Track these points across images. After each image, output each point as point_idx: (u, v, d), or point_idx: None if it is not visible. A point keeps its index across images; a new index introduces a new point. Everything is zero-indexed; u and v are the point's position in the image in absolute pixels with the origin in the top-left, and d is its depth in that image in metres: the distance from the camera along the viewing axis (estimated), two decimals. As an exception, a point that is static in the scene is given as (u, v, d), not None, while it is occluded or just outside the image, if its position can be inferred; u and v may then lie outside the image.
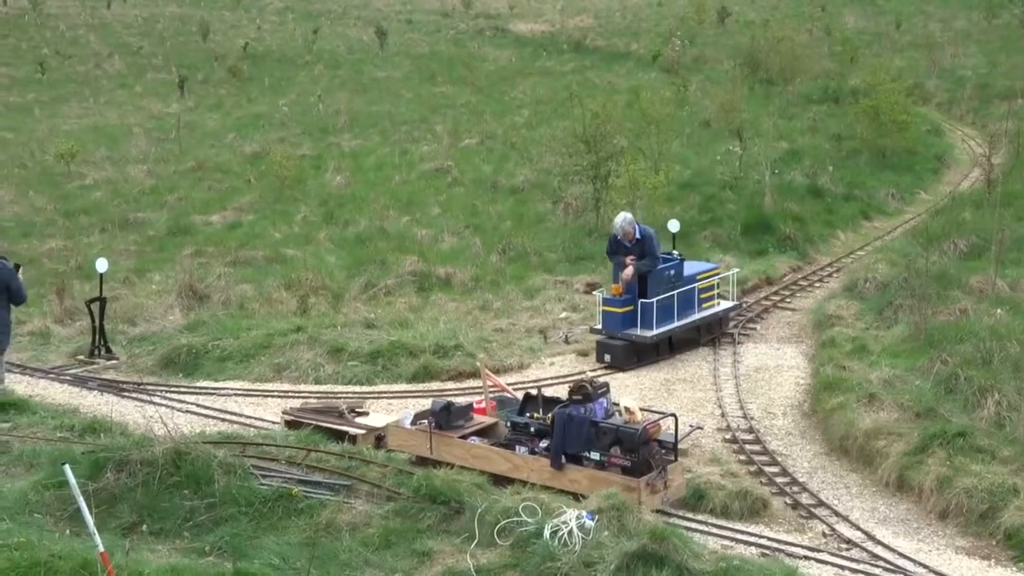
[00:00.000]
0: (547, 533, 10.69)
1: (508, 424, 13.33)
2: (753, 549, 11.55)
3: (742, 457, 13.85)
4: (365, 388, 16.27)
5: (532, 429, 12.94)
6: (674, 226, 20.19)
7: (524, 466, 12.56)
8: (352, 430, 13.86)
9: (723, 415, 15.19)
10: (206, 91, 43.43)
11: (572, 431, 12.34)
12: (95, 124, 38.05)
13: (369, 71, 45.92)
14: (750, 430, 14.69)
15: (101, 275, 17.83)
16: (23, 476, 12.34)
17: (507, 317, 19.28)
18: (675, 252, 18.22)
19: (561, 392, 13.94)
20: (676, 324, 17.34)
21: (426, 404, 14.18)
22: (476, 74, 42.75)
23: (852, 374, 15.57)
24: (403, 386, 16.42)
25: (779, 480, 13.29)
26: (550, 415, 12.67)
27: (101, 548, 7.38)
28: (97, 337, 17.48)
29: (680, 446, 12.77)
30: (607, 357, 16.89)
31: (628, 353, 16.84)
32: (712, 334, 18.07)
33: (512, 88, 41.15)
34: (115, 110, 40.65)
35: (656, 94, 30.65)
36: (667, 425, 12.70)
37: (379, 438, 13.75)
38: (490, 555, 10.85)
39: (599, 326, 17.29)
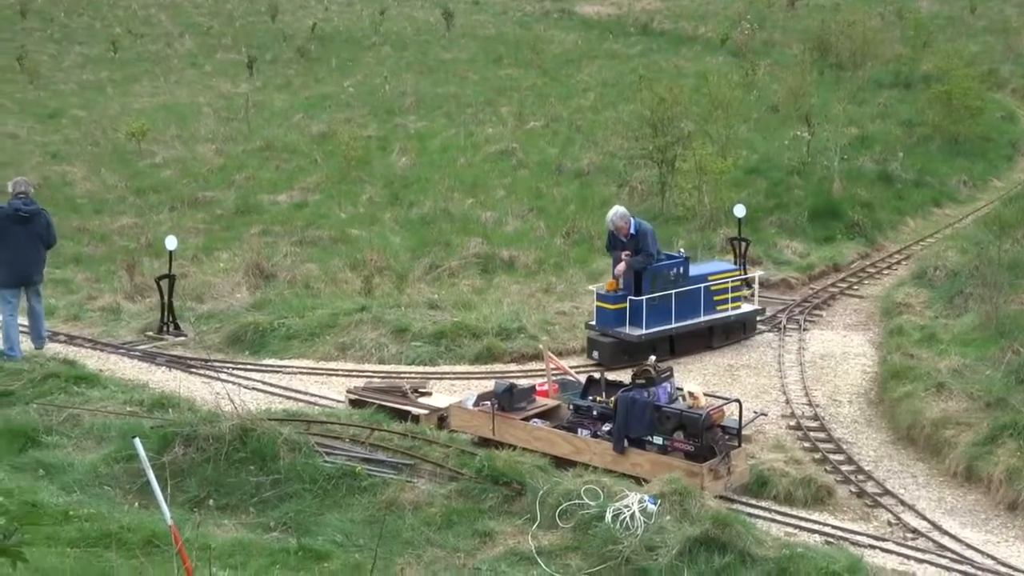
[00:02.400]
0: (609, 516, 10.70)
1: (570, 407, 13.31)
2: (817, 537, 11.47)
3: (807, 444, 13.74)
4: (428, 368, 16.34)
5: (595, 412, 12.92)
6: (740, 211, 20.03)
7: (586, 449, 12.55)
8: (415, 410, 13.93)
9: (788, 402, 15.08)
10: (274, 71, 43.74)
11: (635, 415, 12.30)
12: (165, 103, 38.49)
13: (435, 53, 45.97)
14: (815, 417, 14.57)
15: (170, 252, 18.04)
16: (94, 449, 12.55)
17: (570, 300, 19.25)
18: (681, 251, 17.69)
19: (624, 376, 13.91)
20: (674, 325, 16.66)
21: (489, 385, 14.21)
22: (542, 57, 42.61)
23: (920, 362, 15.38)
24: (466, 367, 16.46)
25: (844, 468, 13.17)
26: (613, 398, 12.64)
27: (170, 521, 7.47)
28: (166, 314, 17.70)
29: (744, 432, 12.68)
30: (595, 354, 16.41)
31: (616, 351, 16.24)
32: (730, 338, 17.41)
33: (578, 71, 40.98)
34: (185, 89, 41.08)
35: (724, 78, 30.35)
36: (731, 411, 12.63)
37: (442, 418, 13.81)
38: (551, 537, 10.88)
39: (593, 322, 16.85)
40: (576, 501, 11.09)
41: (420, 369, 16.30)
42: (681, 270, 16.85)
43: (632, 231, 16.53)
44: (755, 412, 13.87)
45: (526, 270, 21.14)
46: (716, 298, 17.24)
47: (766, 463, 12.76)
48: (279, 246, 22.42)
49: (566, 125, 32.63)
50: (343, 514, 11.25)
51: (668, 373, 12.92)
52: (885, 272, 21.63)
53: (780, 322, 18.36)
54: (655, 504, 10.79)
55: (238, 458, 11.83)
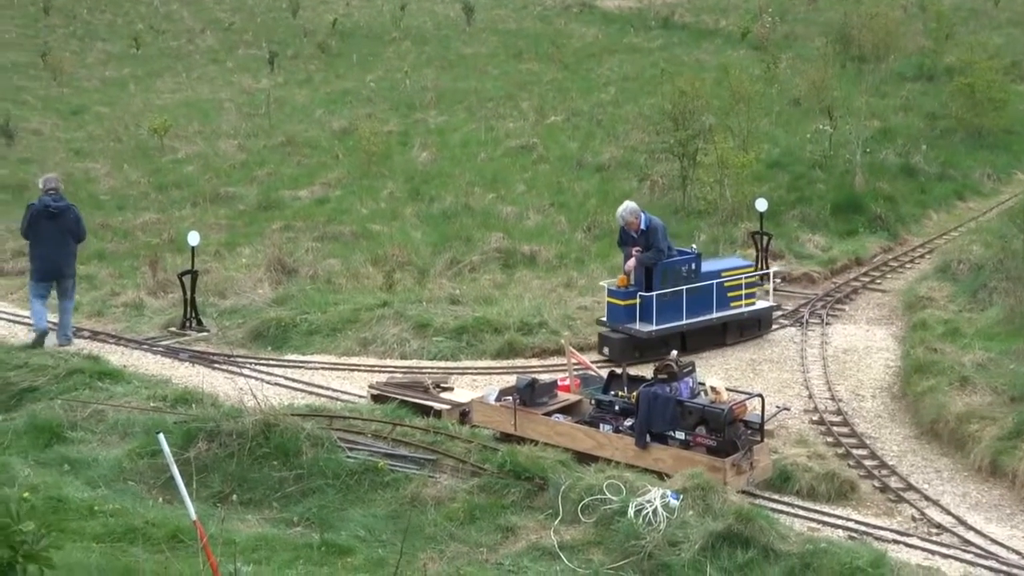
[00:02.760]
0: (631, 511, 10.70)
1: (592, 402, 13.31)
2: (840, 532, 11.44)
3: (829, 439, 13.70)
4: (450, 363, 16.35)
5: (616, 407, 12.91)
6: (762, 205, 19.98)
7: (608, 444, 12.54)
8: (437, 405, 13.95)
9: (810, 396, 15.03)
10: (295, 67, 43.80)
11: (657, 410, 12.29)
12: (187, 99, 38.59)
13: (456, 47, 45.95)
14: (838, 412, 14.53)
15: (193, 248, 18.10)
16: (118, 444, 12.63)
17: (591, 295, 19.22)
18: (694, 247, 17.50)
19: (646, 371, 13.90)
20: (685, 321, 16.49)
21: (511, 380, 14.22)
22: (563, 51, 42.52)
23: (944, 357, 15.31)
24: (487, 362, 16.47)
25: (867, 463, 13.13)
26: (635, 393, 12.63)
27: (194, 516, 7.51)
28: (189, 309, 17.76)
29: (766, 427, 12.65)
30: (606, 350, 16.32)
31: (626, 347, 16.11)
32: (744, 335, 17.22)
33: (599, 65, 40.87)
34: (207, 85, 41.19)
35: (745, 71, 30.23)
36: (753, 406, 12.60)
37: (464, 413, 13.83)
38: (574, 532, 10.89)
39: (604, 318, 16.72)
40: (598, 496, 11.10)
41: (442, 364, 16.31)
42: (693, 266, 16.71)
43: (643, 227, 16.43)
44: (778, 407, 13.83)
45: (547, 265, 21.12)
46: (730, 294, 17.06)
47: (789, 458, 12.74)
48: (301, 241, 22.47)
49: (587, 119, 32.58)
50: (366, 509, 11.29)
51: (690, 368, 12.91)
52: (908, 266, 21.54)
53: (802, 317, 18.31)
54: (677, 499, 10.78)
55: (261, 453, 11.89)
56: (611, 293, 16.68)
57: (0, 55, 47.56)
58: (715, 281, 16.85)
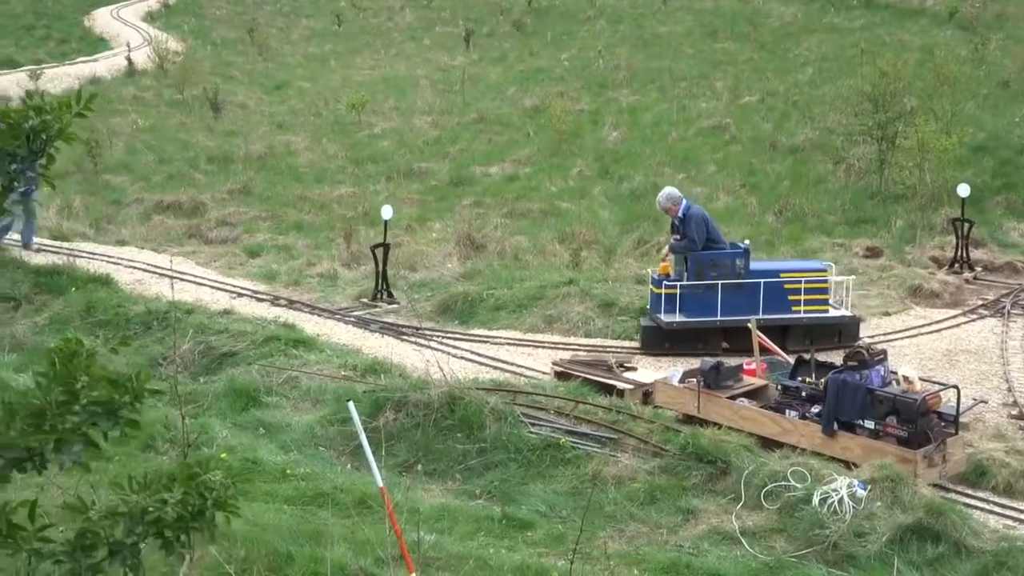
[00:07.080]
0: (816, 500, 10.50)
1: (778, 387, 13.09)
2: (1038, 532, 10.97)
3: (1029, 435, 13.13)
4: (634, 343, 16.29)
5: (803, 393, 12.66)
6: (964, 191, 19.25)
7: (794, 430, 12.32)
8: (620, 384, 13.93)
9: (1010, 389, 14.41)
10: (490, 44, 44.26)
11: (846, 398, 12.00)
12: (385, 75, 39.43)
13: (650, 26, 45.65)
14: (1039, 408, 13.90)
15: (386, 222, 18.45)
16: (310, 411, 13.05)
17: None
18: (746, 241, 16.47)
19: (835, 357, 13.58)
20: (719, 318, 15.49)
21: (695, 363, 14.09)
22: (759, 30, 41.82)
23: None
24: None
25: (1069, 462, 12.53)
26: (823, 380, 12.37)
27: (381, 484, 7.70)
28: (380, 281, 18.15)
29: (961, 419, 12.21)
30: (637, 337, 15.84)
31: (654, 337, 15.49)
32: (815, 343, 14.99)
33: (796, 45, 40.02)
34: (404, 62, 42.00)
35: (951, 52, 29.14)
36: (948, 397, 12.19)
37: (646, 394, 13.77)
38: (755, 518, 10.75)
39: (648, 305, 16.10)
40: (782, 483, 10.93)
41: (626, 344, 16.27)
42: (739, 262, 15.75)
43: (680, 214, 15.79)
44: (974, 399, 13.34)
45: (736, 247, 20.80)
46: (791, 297, 15.90)
47: (984, 452, 12.25)
48: (490, 218, 22.71)
49: (782, 100, 31.96)
50: (547, 485, 11.38)
51: (882, 356, 12.57)
52: (1122, 258, 20.42)
53: (1004, 307, 17.58)
54: (865, 489, 10.53)
55: (446, 425, 12.11)
56: (652, 281, 16.05)
57: (212, 31, 49.56)
58: (763, 280, 15.76)
